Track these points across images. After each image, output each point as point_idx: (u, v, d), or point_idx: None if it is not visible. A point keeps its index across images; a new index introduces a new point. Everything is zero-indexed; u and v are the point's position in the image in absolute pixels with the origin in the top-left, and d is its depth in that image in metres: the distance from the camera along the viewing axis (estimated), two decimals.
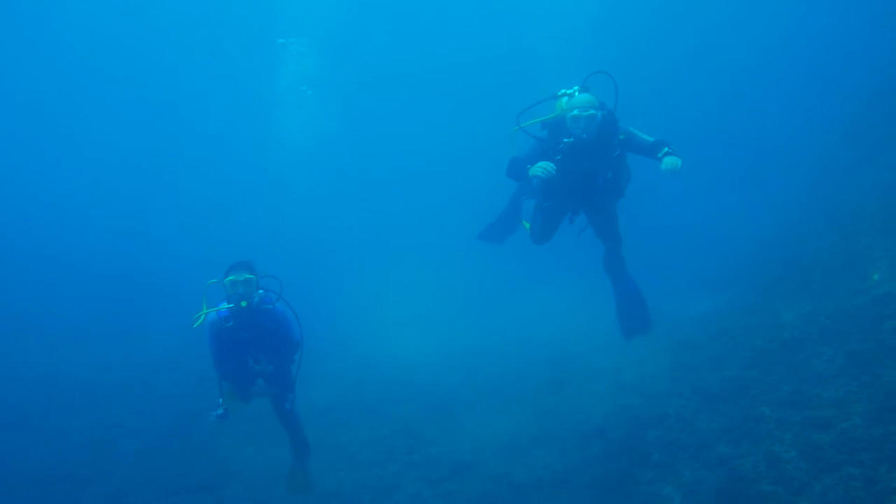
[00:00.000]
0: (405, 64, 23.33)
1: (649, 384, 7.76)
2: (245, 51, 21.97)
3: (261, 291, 5.76)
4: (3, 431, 9.43)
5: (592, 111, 5.41)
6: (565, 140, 5.51)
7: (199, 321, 5.64)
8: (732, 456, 5.70)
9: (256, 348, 5.85)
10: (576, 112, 5.43)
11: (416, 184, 22.71)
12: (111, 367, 11.68)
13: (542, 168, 5.38)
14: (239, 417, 9.05)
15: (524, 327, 12.55)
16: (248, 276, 5.55)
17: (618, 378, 8.48)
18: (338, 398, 9.79)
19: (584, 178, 5.68)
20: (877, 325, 6.17)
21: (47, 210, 21.58)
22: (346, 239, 20.85)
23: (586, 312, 11.64)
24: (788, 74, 17.60)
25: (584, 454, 6.71)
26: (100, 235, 20.01)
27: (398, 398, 9.61)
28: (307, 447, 6.81)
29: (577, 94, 5.64)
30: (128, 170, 22.70)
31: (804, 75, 16.91)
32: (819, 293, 7.53)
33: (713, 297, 10.22)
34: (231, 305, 5.58)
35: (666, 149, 5.41)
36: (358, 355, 12.33)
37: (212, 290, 5.72)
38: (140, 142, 23.14)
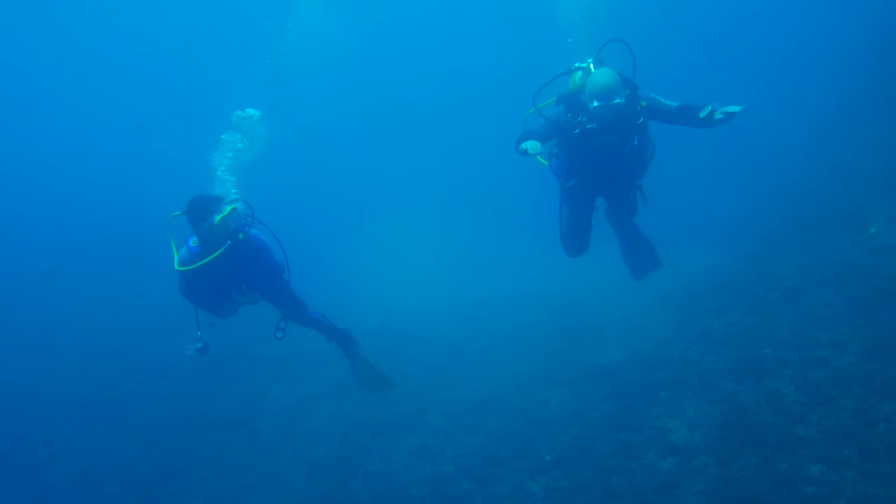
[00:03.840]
0: (411, 7, 23.08)
1: (656, 331, 8.15)
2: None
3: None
4: (55, 364, 10.03)
5: (618, 100, 5.06)
6: (587, 126, 5.26)
7: (176, 260, 5.34)
8: (735, 392, 6.10)
9: (238, 279, 5.56)
10: (597, 103, 5.09)
11: (420, 143, 22.78)
12: (141, 314, 12.15)
13: (531, 146, 5.06)
14: (267, 360, 9.63)
15: (533, 282, 12.95)
16: (234, 206, 5.24)
17: (626, 326, 8.88)
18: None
19: (608, 149, 5.44)
20: (873, 273, 6.59)
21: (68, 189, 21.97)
22: (353, 198, 21.09)
23: (594, 264, 12.04)
24: (790, 31, 17.65)
25: (596, 393, 7.12)
26: (122, 204, 20.36)
27: (416, 345, 10.07)
28: (348, 337, 6.71)
29: (592, 69, 5.29)
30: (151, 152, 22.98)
31: (806, 33, 16.98)
32: (819, 246, 7.91)
33: (717, 251, 10.57)
34: (200, 244, 5.29)
35: (709, 107, 5.12)
36: (370, 311, 12.71)
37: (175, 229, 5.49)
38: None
